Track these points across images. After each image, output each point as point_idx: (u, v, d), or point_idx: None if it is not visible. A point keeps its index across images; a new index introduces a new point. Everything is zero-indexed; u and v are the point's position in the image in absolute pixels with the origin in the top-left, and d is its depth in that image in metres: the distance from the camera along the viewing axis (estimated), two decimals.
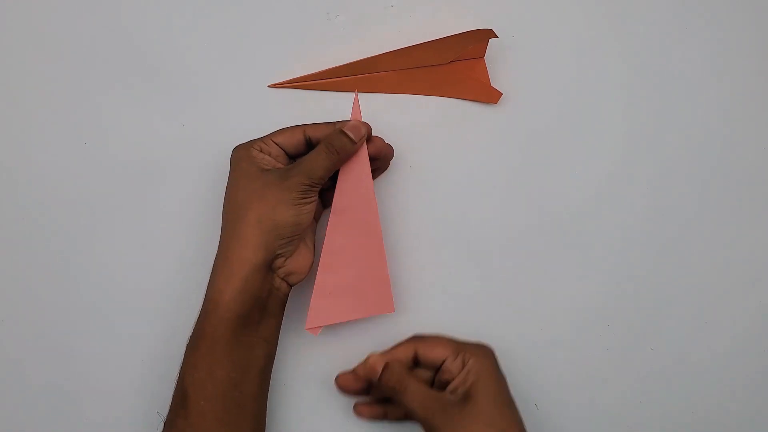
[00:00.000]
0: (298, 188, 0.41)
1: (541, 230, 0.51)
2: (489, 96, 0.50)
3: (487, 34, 0.48)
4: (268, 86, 0.49)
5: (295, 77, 0.49)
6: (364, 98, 0.50)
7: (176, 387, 0.41)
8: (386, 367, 0.43)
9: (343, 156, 0.43)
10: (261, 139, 0.44)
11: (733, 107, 0.52)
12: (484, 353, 0.44)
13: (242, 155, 0.43)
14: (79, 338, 0.49)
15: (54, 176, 0.49)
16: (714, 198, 0.52)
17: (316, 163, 0.42)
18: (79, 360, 0.49)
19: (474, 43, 0.48)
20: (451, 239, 0.50)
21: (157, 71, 0.49)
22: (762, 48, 0.52)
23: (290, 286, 0.44)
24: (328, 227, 0.45)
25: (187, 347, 0.41)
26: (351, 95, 0.50)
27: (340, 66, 0.49)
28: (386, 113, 0.50)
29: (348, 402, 0.48)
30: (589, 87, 0.51)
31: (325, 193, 0.46)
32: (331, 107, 0.50)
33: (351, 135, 0.43)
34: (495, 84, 0.50)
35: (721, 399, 0.51)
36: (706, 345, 0.51)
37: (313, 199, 0.42)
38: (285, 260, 0.42)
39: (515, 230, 0.50)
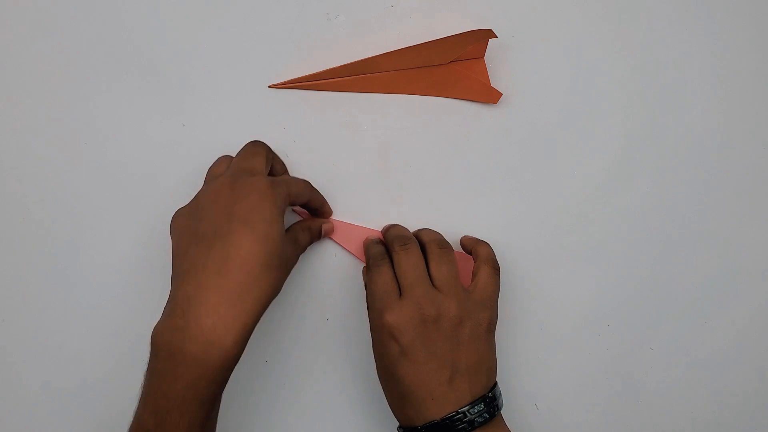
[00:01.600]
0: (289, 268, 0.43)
1: (541, 230, 0.51)
2: (489, 96, 0.50)
3: (487, 34, 0.48)
4: (268, 86, 0.49)
5: (295, 77, 0.49)
6: (364, 98, 0.50)
7: None
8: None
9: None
10: (285, 190, 0.42)
11: (732, 107, 0.52)
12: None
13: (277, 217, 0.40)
14: (78, 339, 0.49)
15: (54, 176, 0.49)
16: (714, 198, 0.52)
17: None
18: (79, 361, 0.49)
19: (474, 43, 0.48)
20: (451, 239, 0.50)
21: (158, 71, 0.49)
22: (762, 48, 0.53)
23: None
24: None
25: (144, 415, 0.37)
26: (351, 95, 0.50)
27: (340, 66, 0.49)
28: (386, 113, 0.50)
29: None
30: (588, 87, 0.51)
31: None
32: (331, 107, 0.50)
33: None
34: (495, 84, 0.50)
35: (721, 399, 0.51)
36: (706, 345, 0.51)
37: None
38: None
39: (515, 230, 0.50)
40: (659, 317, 0.51)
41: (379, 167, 0.50)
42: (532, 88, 0.51)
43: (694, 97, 0.52)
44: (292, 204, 0.44)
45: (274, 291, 0.39)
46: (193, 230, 0.40)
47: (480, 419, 0.40)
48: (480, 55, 0.50)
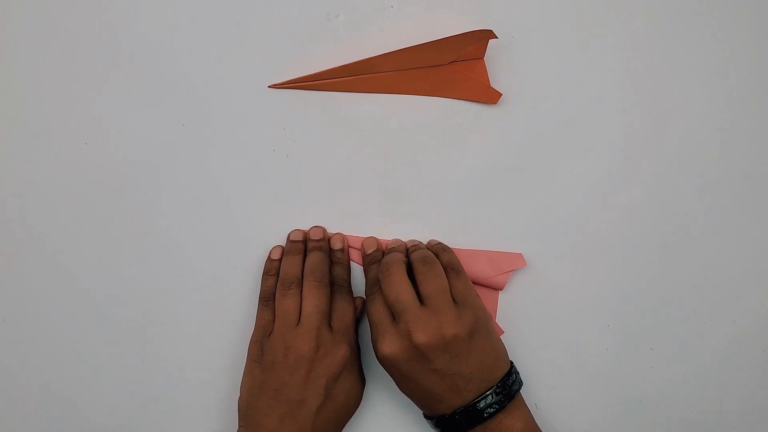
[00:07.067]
0: None
1: (541, 230, 0.51)
2: (489, 96, 0.50)
3: (487, 34, 0.48)
4: (268, 86, 0.50)
5: (295, 77, 0.49)
6: (364, 98, 0.50)
7: None
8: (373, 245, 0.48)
9: None
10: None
11: (732, 108, 0.52)
12: None
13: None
14: (78, 339, 0.49)
15: (54, 176, 0.49)
16: (714, 198, 0.52)
17: None
18: (79, 361, 0.49)
19: (474, 44, 0.48)
20: (449, 240, 0.50)
21: (158, 71, 0.49)
22: (762, 48, 0.53)
23: None
24: None
25: None
26: (351, 95, 0.50)
27: (340, 66, 0.49)
28: (386, 113, 0.50)
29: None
30: (588, 87, 0.51)
31: None
32: (331, 107, 0.50)
33: None
34: (495, 84, 0.50)
35: (721, 399, 0.51)
36: (706, 345, 0.51)
37: None
38: None
39: (515, 230, 0.50)
40: (659, 317, 0.51)
41: (379, 167, 0.50)
42: (532, 88, 0.51)
43: (694, 96, 0.52)
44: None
45: None
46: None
47: (492, 409, 0.42)
48: (480, 55, 0.50)
